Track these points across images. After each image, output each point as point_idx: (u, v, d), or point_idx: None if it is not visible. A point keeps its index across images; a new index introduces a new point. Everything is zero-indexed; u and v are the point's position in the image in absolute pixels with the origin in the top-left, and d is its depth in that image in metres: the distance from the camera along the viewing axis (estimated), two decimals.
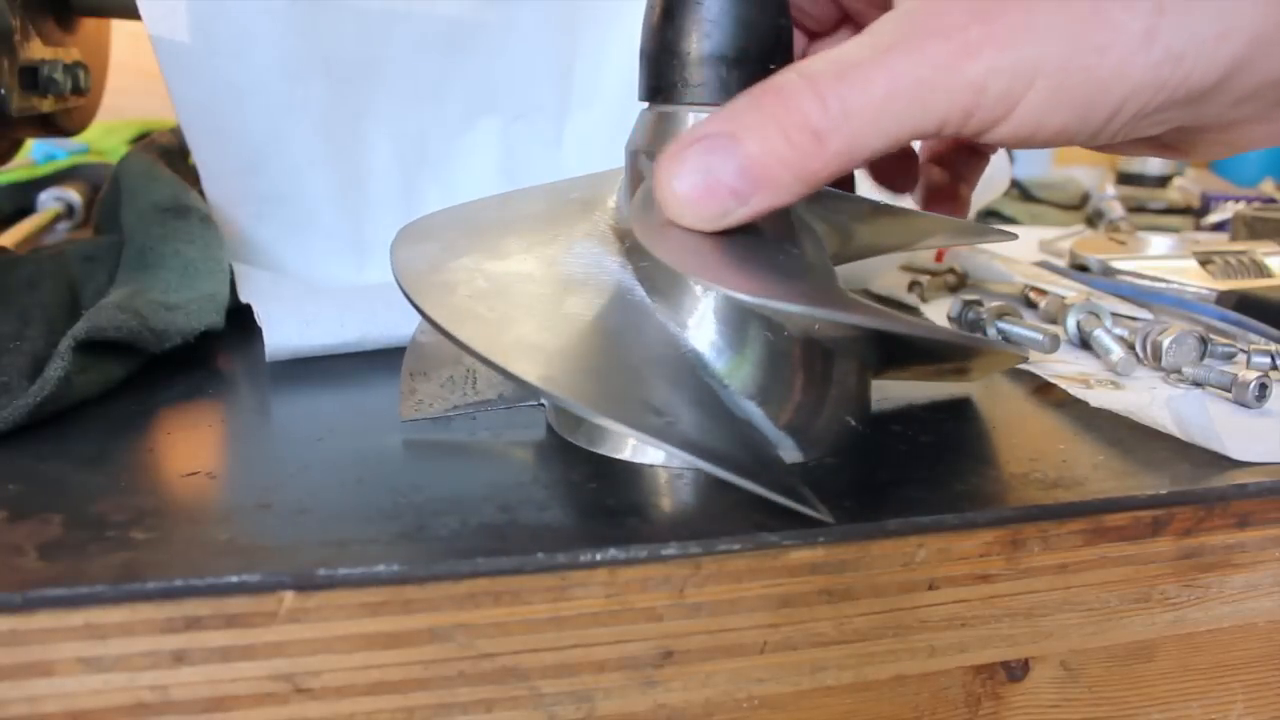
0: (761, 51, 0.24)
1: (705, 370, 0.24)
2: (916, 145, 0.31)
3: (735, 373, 0.24)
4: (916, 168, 0.29)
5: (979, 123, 0.20)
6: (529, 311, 0.23)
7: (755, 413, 0.24)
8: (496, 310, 0.23)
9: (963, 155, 0.30)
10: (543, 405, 0.27)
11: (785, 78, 0.21)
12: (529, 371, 0.21)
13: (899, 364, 0.28)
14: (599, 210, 0.27)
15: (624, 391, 0.22)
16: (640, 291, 0.24)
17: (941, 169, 0.30)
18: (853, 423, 0.26)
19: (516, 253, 0.26)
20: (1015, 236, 0.30)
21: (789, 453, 0.25)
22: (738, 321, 0.24)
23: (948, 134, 0.21)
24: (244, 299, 0.35)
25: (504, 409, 0.27)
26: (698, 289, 0.24)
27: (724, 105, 0.21)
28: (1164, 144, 0.24)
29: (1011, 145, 0.21)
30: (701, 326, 0.24)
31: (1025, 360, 0.28)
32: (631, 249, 0.25)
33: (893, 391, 0.31)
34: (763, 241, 0.24)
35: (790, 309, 0.21)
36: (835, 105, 0.20)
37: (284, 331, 0.32)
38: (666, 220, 0.22)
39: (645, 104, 0.26)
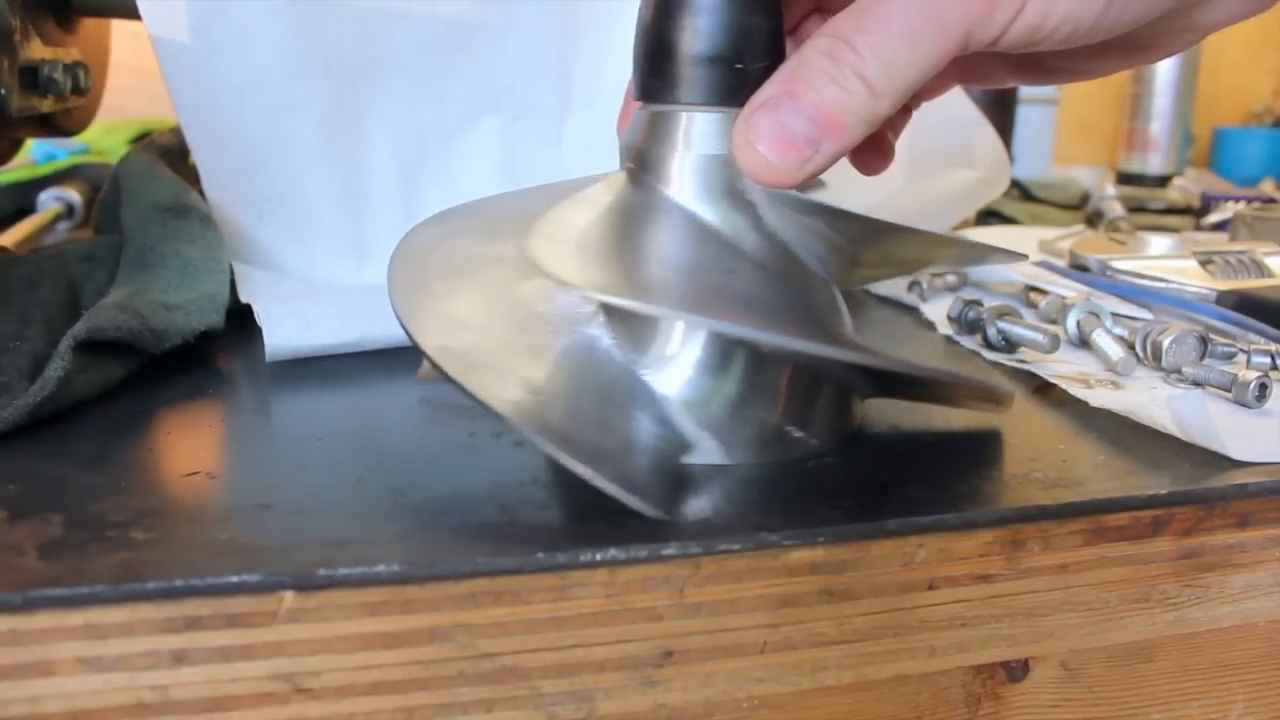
0: (754, 51, 0.24)
1: (625, 359, 0.24)
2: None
3: (658, 363, 0.24)
4: (886, 145, 0.30)
5: (999, 25, 0.22)
6: (487, 327, 0.23)
7: (674, 407, 0.24)
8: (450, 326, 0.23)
9: None
10: None
11: (818, 41, 0.23)
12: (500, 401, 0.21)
13: (886, 392, 0.28)
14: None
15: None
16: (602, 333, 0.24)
17: None
18: (795, 432, 0.25)
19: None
20: (1026, 257, 0.30)
21: (708, 454, 0.24)
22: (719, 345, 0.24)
23: (976, 44, 0.22)
24: (244, 299, 0.35)
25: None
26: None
27: (733, 99, 0.23)
28: (1136, 45, 0.26)
29: (1021, 46, 0.23)
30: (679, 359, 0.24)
31: (1004, 403, 0.27)
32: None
33: None
34: (761, 267, 0.24)
35: (758, 337, 0.22)
36: (868, 51, 0.22)
37: (284, 332, 0.32)
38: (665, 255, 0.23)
39: (640, 104, 0.26)
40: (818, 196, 0.33)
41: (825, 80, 0.22)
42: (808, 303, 0.25)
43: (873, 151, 0.31)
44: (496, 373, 0.22)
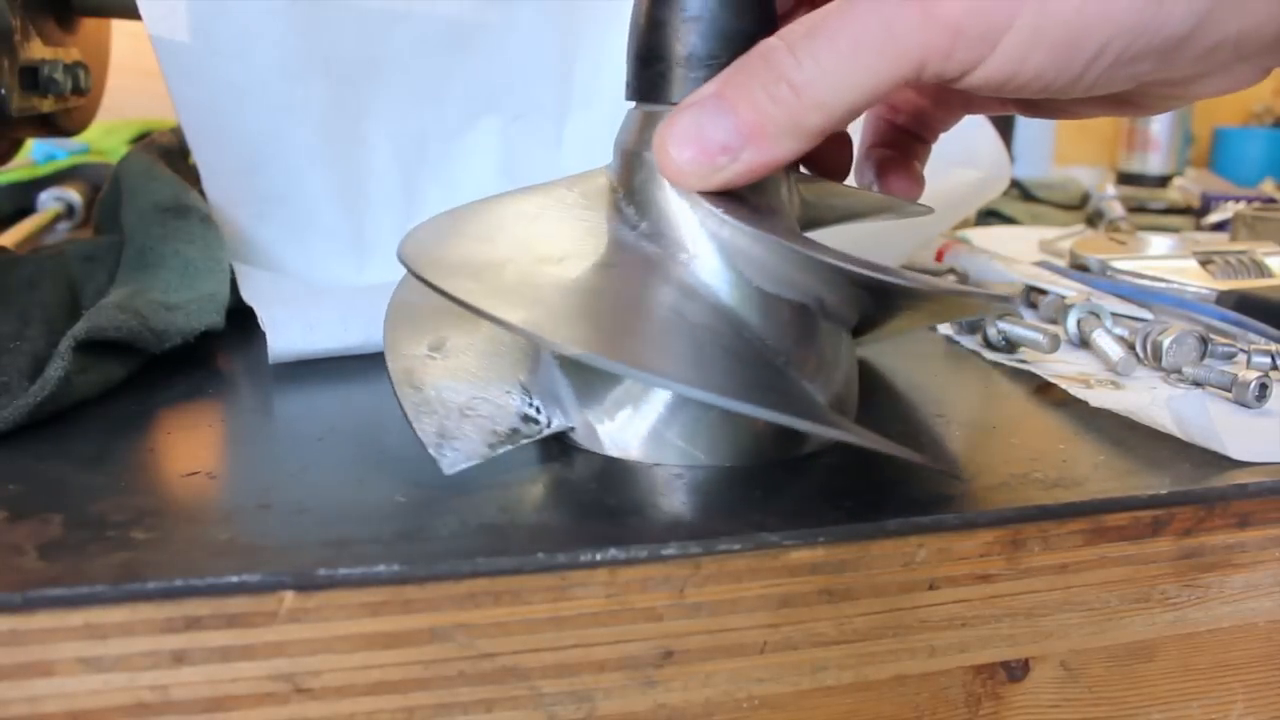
0: (747, 50, 0.24)
1: (748, 332, 0.24)
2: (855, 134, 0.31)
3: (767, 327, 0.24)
4: (851, 154, 0.30)
5: (960, 64, 0.21)
6: (564, 290, 0.24)
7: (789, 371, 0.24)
8: (526, 294, 0.23)
9: (907, 140, 0.31)
10: (573, 428, 0.26)
11: (767, 41, 0.22)
12: (569, 339, 0.21)
13: (875, 316, 0.28)
14: (602, 197, 0.27)
15: (673, 351, 0.22)
16: (653, 248, 0.25)
17: (891, 149, 0.31)
18: (852, 402, 0.26)
19: (537, 253, 0.26)
20: (930, 210, 0.30)
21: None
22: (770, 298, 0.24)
23: (928, 78, 0.21)
24: (247, 300, 0.35)
25: (539, 438, 0.25)
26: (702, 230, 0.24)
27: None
28: (1122, 100, 0.25)
29: (989, 90, 0.22)
30: (741, 295, 0.24)
31: (997, 304, 0.29)
32: (640, 225, 0.25)
33: (892, 391, 0.31)
34: (752, 207, 0.24)
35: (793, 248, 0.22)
36: (808, 60, 0.21)
37: (288, 336, 0.32)
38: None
39: (633, 104, 0.26)
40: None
41: (754, 86, 0.21)
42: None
43: (903, 178, 0.30)
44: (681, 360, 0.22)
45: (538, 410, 0.26)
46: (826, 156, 0.29)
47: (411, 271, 0.23)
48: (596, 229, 0.26)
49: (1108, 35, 0.20)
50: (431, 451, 0.23)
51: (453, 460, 0.23)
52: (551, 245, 0.25)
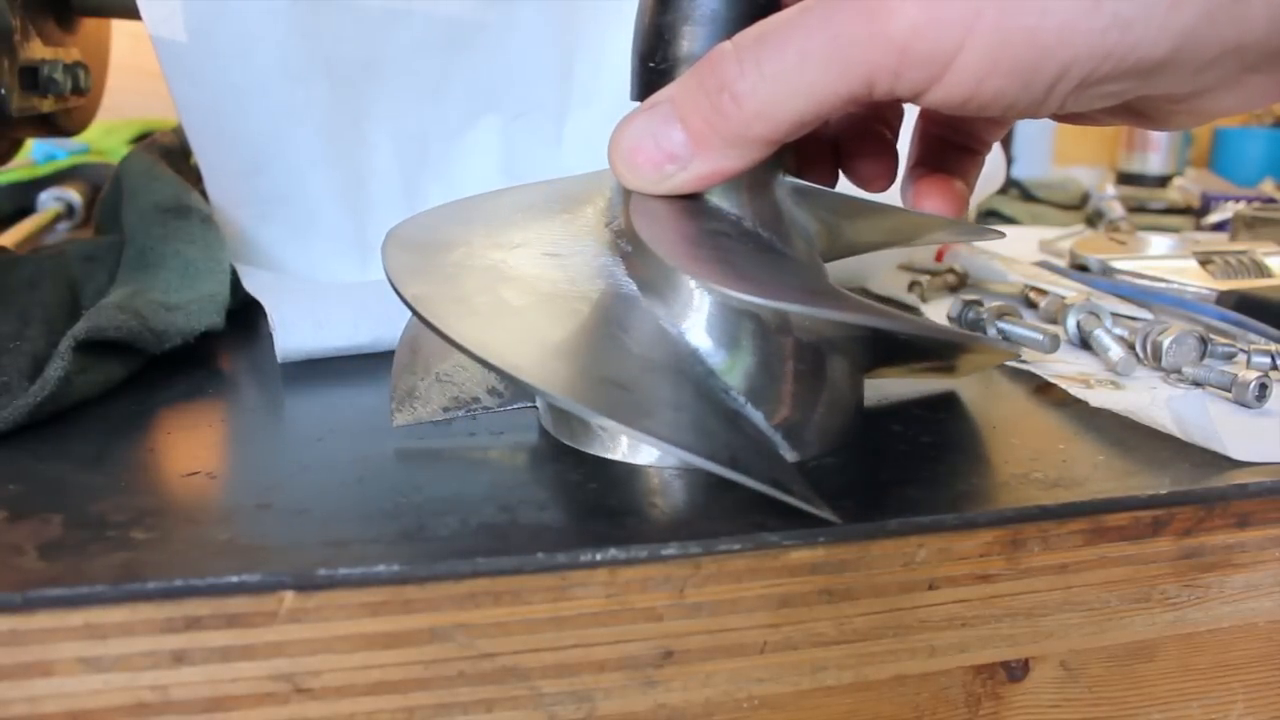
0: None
1: (701, 367, 0.24)
2: (903, 148, 0.30)
3: (729, 371, 0.24)
4: (894, 165, 0.29)
5: (911, 84, 0.20)
6: (519, 308, 0.23)
7: (752, 412, 0.24)
8: (484, 305, 0.23)
9: (954, 153, 0.30)
10: (535, 406, 0.27)
11: (720, 45, 0.21)
12: (520, 369, 0.20)
13: (888, 362, 0.28)
14: (592, 207, 0.27)
15: (618, 389, 0.22)
16: (632, 287, 0.25)
17: (933, 168, 0.30)
18: (844, 424, 0.26)
19: (507, 248, 0.26)
20: (1003, 235, 0.29)
21: (783, 453, 0.24)
22: (732, 321, 0.24)
23: (880, 95, 0.20)
24: (255, 295, 0.35)
25: (499, 411, 0.27)
26: (692, 286, 0.24)
27: None
28: (1134, 112, 0.24)
29: (951, 110, 0.21)
30: (696, 324, 0.24)
31: (1015, 358, 0.28)
32: (625, 247, 0.25)
33: (891, 391, 0.31)
34: (759, 241, 0.24)
35: (785, 308, 0.21)
36: (752, 68, 0.20)
37: (296, 334, 0.32)
38: (665, 218, 0.22)
39: (637, 103, 0.26)
40: None
41: (699, 93, 0.21)
42: (800, 272, 0.25)
43: (937, 196, 0.28)
44: (621, 402, 0.22)
45: (505, 386, 0.26)
46: (864, 165, 0.28)
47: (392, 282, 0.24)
48: (581, 232, 0.26)
49: (1067, 60, 0.19)
50: (392, 405, 0.26)
51: (403, 418, 0.26)
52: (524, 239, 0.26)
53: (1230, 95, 0.21)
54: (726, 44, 0.21)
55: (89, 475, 0.23)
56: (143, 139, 0.53)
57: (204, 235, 0.37)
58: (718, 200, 0.24)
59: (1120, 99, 0.21)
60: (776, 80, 0.20)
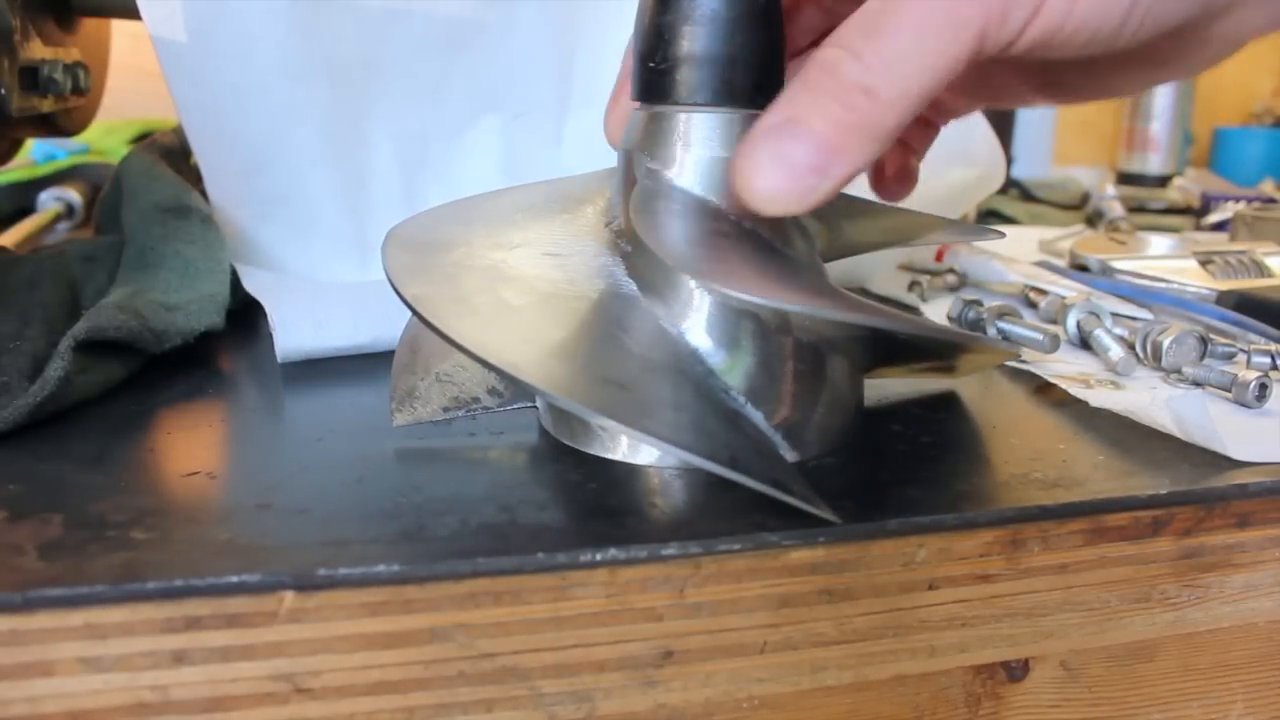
0: (752, 52, 0.24)
1: (701, 367, 0.24)
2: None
3: (729, 372, 0.24)
4: (915, 170, 0.29)
5: (1014, 25, 0.21)
6: (519, 308, 0.23)
7: (752, 412, 0.24)
8: (484, 305, 0.23)
9: (911, 126, 0.31)
10: (535, 406, 0.27)
11: (823, 53, 0.21)
12: (520, 368, 0.21)
13: (888, 361, 0.28)
14: (592, 207, 0.27)
15: (618, 389, 0.22)
16: (632, 287, 0.25)
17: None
18: (844, 424, 0.26)
19: (507, 248, 0.26)
20: (1003, 235, 0.30)
21: (783, 453, 0.24)
22: (731, 320, 0.24)
23: (993, 45, 0.21)
24: (255, 295, 0.35)
25: (499, 411, 0.27)
26: (692, 286, 0.24)
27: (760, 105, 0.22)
28: (1159, 60, 0.24)
29: (1040, 50, 0.21)
30: (696, 324, 0.24)
31: (1016, 358, 0.28)
32: (625, 247, 0.25)
33: (891, 391, 0.31)
34: (758, 241, 0.24)
35: (785, 308, 0.22)
36: (873, 59, 0.21)
37: (296, 334, 0.32)
38: (664, 218, 0.22)
39: (638, 104, 0.26)
40: None
41: (828, 100, 0.21)
42: (800, 272, 0.25)
43: (894, 178, 0.29)
44: (622, 402, 0.22)
45: (505, 386, 0.26)
46: (891, 174, 0.29)
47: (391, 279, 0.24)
48: (581, 232, 0.26)
49: None
50: (392, 405, 0.26)
51: (403, 418, 0.26)
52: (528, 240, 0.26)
53: (1256, 12, 0.22)
54: (829, 49, 0.21)
55: (89, 475, 0.23)
56: (143, 139, 0.53)
57: (204, 235, 0.37)
58: (718, 200, 0.24)
59: (1178, 19, 0.22)
60: (901, 63, 0.21)
